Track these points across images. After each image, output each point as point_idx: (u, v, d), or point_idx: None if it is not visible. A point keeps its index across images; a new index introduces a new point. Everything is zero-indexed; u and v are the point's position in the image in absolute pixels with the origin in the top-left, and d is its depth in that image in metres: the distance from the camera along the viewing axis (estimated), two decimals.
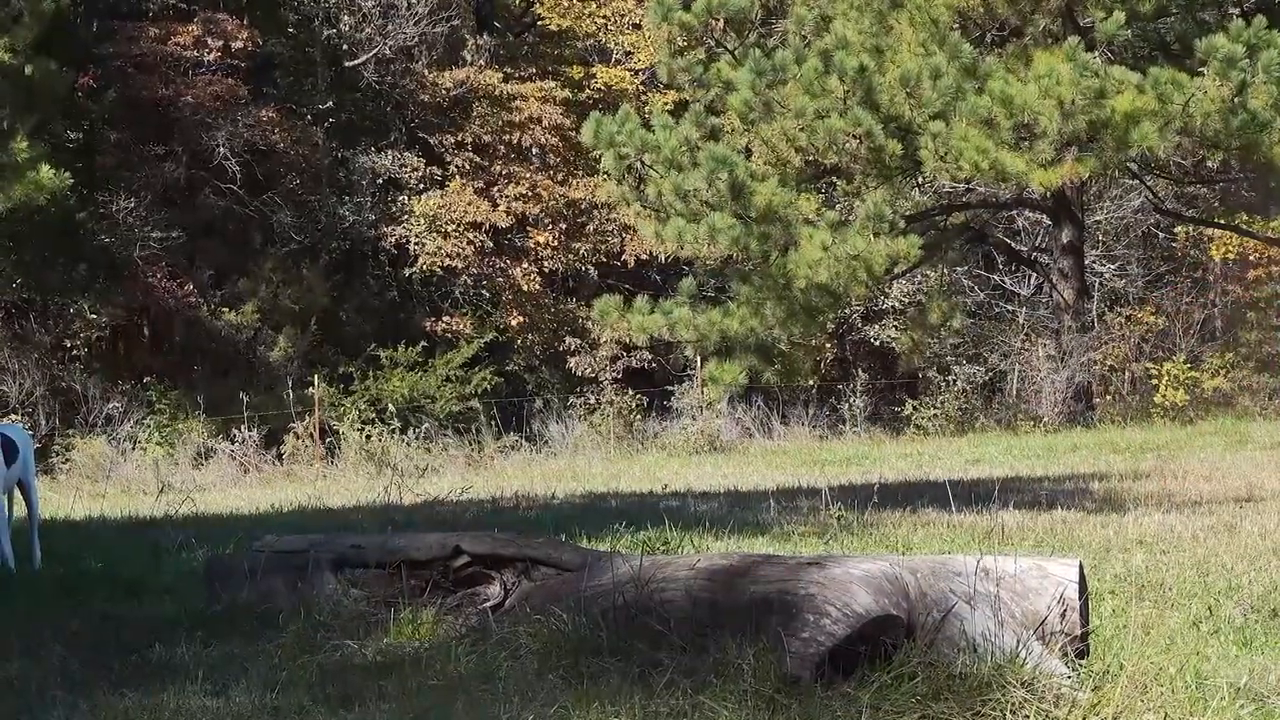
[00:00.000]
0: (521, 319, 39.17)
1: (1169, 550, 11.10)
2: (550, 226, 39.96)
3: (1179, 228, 40.29)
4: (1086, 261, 34.90)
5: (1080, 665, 6.71)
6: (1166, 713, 5.98)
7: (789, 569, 6.95)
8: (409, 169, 39.26)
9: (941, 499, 13.05)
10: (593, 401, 34.85)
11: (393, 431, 29.66)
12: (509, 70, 41.47)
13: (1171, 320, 39.51)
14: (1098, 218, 38.63)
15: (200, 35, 36.36)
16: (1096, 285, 38.41)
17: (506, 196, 39.30)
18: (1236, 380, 35.07)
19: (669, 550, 11.13)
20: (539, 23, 44.61)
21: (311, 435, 30.25)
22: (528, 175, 39.84)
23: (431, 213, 38.02)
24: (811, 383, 36.35)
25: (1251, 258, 39.72)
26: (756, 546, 11.61)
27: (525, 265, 39.47)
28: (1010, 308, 39.84)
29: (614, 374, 37.75)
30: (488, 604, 8.24)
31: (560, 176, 40.38)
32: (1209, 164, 30.62)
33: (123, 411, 31.49)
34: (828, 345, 39.50)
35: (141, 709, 6.84)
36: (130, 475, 27.53)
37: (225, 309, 36.81)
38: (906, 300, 38.85)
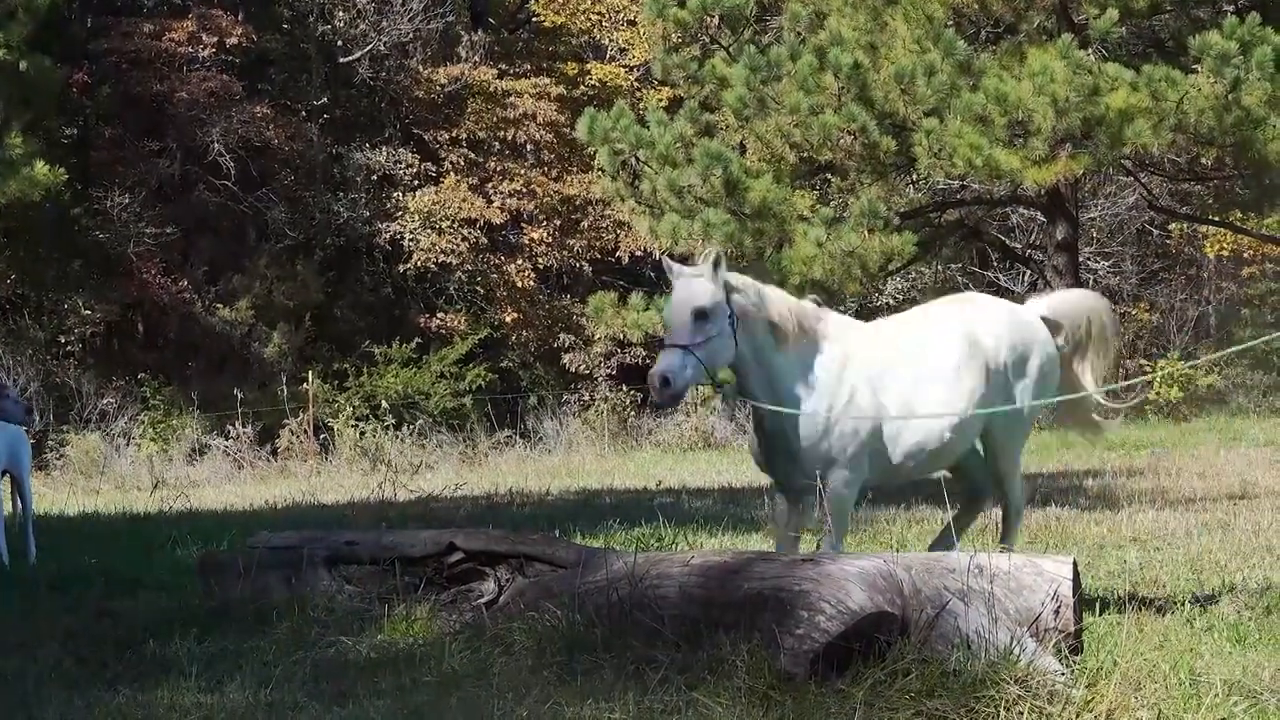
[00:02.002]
0: (516, 315, 39.16)
1: (1163, 547, 11.13)
2: (544, 223, 39.96)
3: (1173, 225, 40.31)
4: (1081, 258, 34.91)
5: (1074, 662, 6.72)
6: (1160, 709, 5.99)
7: (783, 566, 6.96)
8: (403, 165, 39.26)
9: (936, 496, 13.06)
10: (587, 398, 34.83)
11: (387, 428, 29.66)
12: (503, 67, 41.47)
13: (1166, 317, 39.57)
14: (1092, 215, 38.66)
15: (195, 31, 36.35)
16: (1091, 282, 38.42)
17: (501, 193, 39.30)
18: (1230, 378, 35.10)
19: (663, 547, 11.15)
20: (533, 19, 44.64)
21: (306, 432, 30.24)
22: (522, 171, 39.83)
23: (426, 209, 38.00)
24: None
25: (1245, 255, 39.76)
26: (750, 544, 11.65)
27: (520, 262, 39.47)
28: None
29: (608, 370, 37.73)
30: (482, 600, 8.24)
31: (555, 173, 40.38)
32: (1203, 161, 30.56)
33: (117, 407, 31.49)
34: None
35: (136, 705, 6.84)
36: (125, 471, 27.52)
37: (219, 305, 36.81)
38: (901, 297, 38.85)
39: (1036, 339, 9.59)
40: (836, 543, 8.75)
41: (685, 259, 9.68)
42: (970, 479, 9.79)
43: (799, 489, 8.92)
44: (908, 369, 9.09)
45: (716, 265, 8.82)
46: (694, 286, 8.82)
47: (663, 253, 31.88)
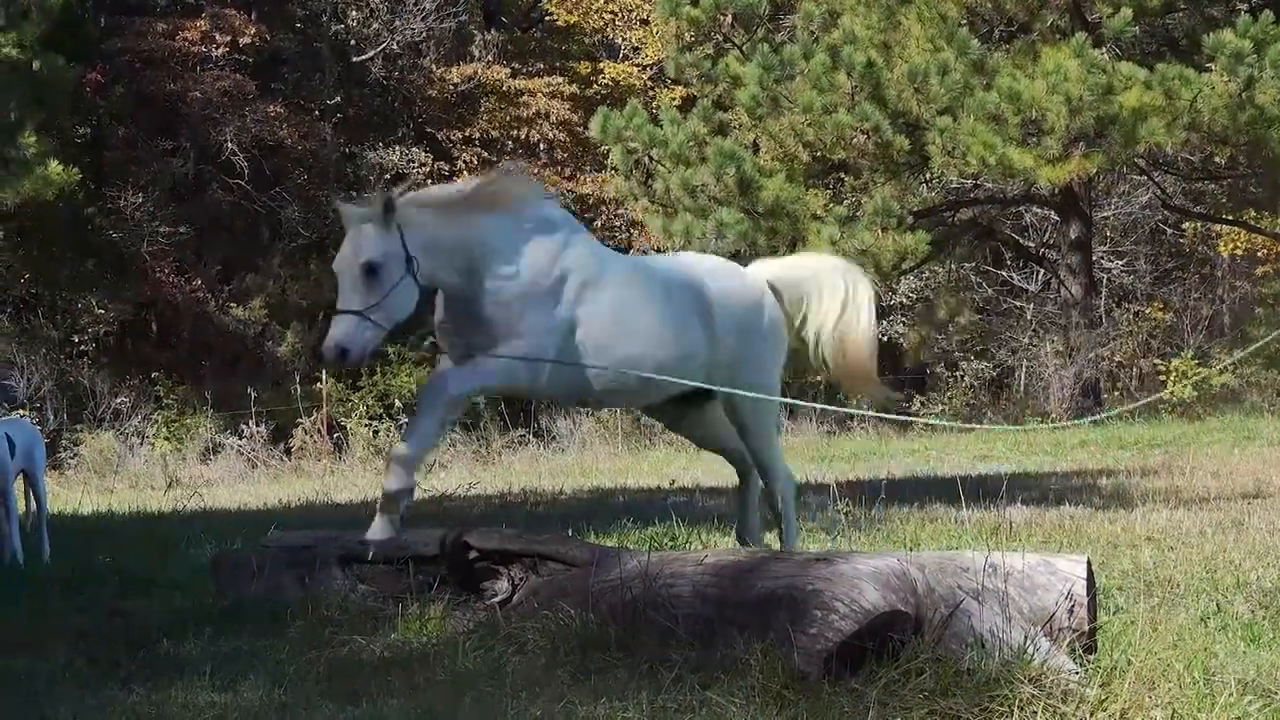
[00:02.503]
0: None
1: (1177, 546, 11.09)
2: None
3: (1187, 224, 40.27)
4: (1094, 257, 34.89)
5: (1088, 661, 6.71)
6: (1174, 709, 5.97)
7: (797, 565, 6.95)
8: (417, 164, 39.28)
9: (949, 495, 13.05)
10: None
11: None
12: (516, 66, 41.51)
13: (1179, 316, 39.51)
14: (1105, 214, 38.62)
15: (208, 30, 36.41)
16: (1104, 281, 38.39)
17: None
18: (1244, 376, 35.04)
19: (676, 546, 11.13)
20: (546, 18, 44.68)
21: (319, 431, 30.25)
22: (535, 170, 39.83)
23: None
24: (819, 378, 36.33)
25: (1259, 253, 39.70)
26: (764, 542, 11.61)
27: None
28: (1018, 304, 39.83)
29: None
30: (495, 599, 8.24)
31: (568, 172, 40.38)
32: (1217, 160, 30.59)
33: (130, 407, 31.53)
34: None
35: (149, 704, 6.84)
36: (138, 470, 27.55)
37: (233, 304, 36.86)
38: (914, 296, 38.84)
39: (765, 305, 9.43)
40: (459, 381, 8.44)
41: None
42: (726, 455, 9.71)
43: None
44: (627, 285, 8.79)
45: (387, 210, 8.06)
46: (361, 238, 8.02)
47: (675, 252, 31.96)
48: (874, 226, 27.63)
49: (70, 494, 22.72)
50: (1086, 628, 7.00)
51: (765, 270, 9.81)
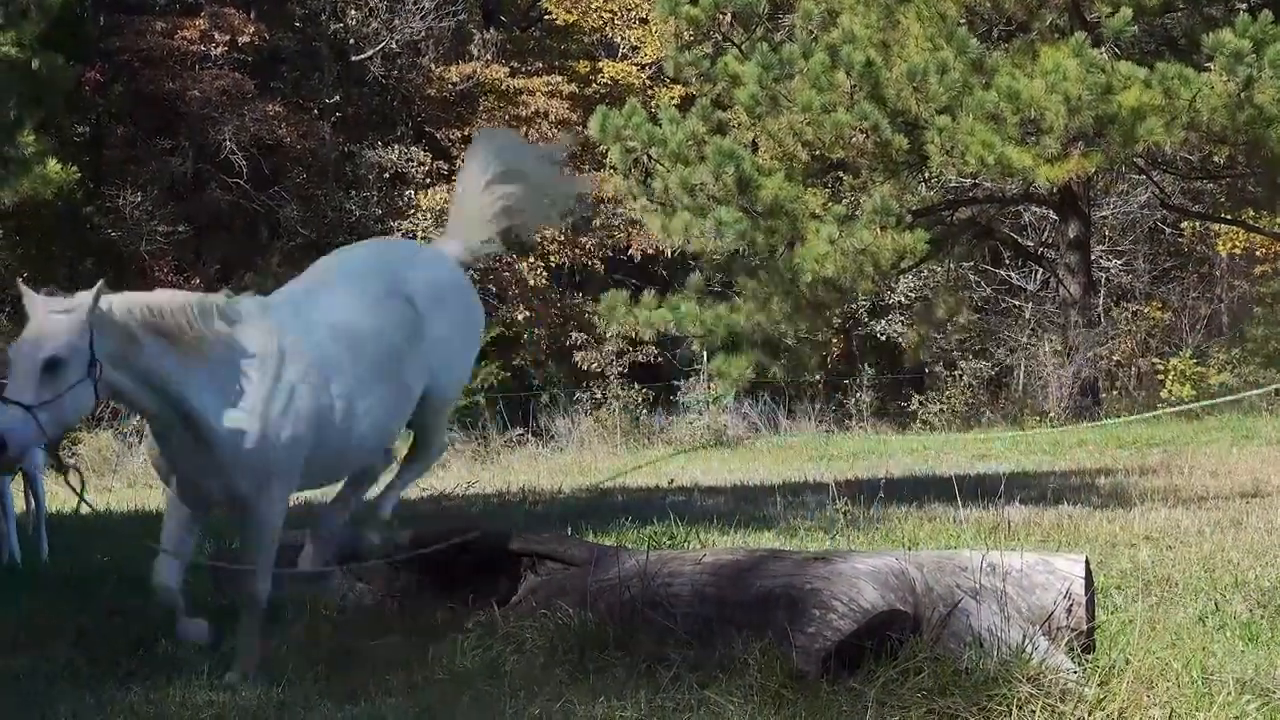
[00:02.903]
0: (528, 314, 39.15)
1: (1175, 545, 11.09)
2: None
3: (1185, 223, 40.27)
4: (1093, 257, 34.87)
5: (1086, 660, 6.71)
6: (1172, 708, 5.97)
7: (795, 564, 6.94)
8: (415, 163, 39.29)
9: (948, 494, 13.04)
10: (599, 396, 34.81)
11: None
12: (515, 65, 41.50)
13: (1178, 315, 39.53)
14: (1104, 213, 38.61)
15: (207, 29, 36.41)
16: (1103, 280, 38.38)
17: None
18: (1243, 375, 35.05)
19: (675, 545, 11.13)
20: (545, 17, 44.65)
21: None
22: None
23: (438, 207, 38.01)
24: (818, 377, 36.34)
25: (1258, 253, 39.70)
26: (762, 542, 11.62)
27: (532, 260, 39.46)
28: (1017, 303, 39.83)
29: (620, 369, 37.71)
30: (494, 598, 8.24)
31: (567, 171, 40.34)
32: (1215, 159, 30.57)
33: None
34: (834, 340, 39.47)
35: (148, 703, 6.84)
36: (137, 469, 27.50)
37: None
38: (913, 295, 38.84)
39: (464, 285, 8.95)
40: (263, 577, 7.61)
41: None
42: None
43: (213, 503, 7.86)
44: (351, 357, 8.11)
45: (85, 307, 7.42)
46: (47, 329, 7.30)
47: (674, 251, 31.92)
48: (873, 225, 27.62)
49: (68, 493, 22.66)
50: (1085, 627, 7.00)
51: (454, 245, 9.49)
